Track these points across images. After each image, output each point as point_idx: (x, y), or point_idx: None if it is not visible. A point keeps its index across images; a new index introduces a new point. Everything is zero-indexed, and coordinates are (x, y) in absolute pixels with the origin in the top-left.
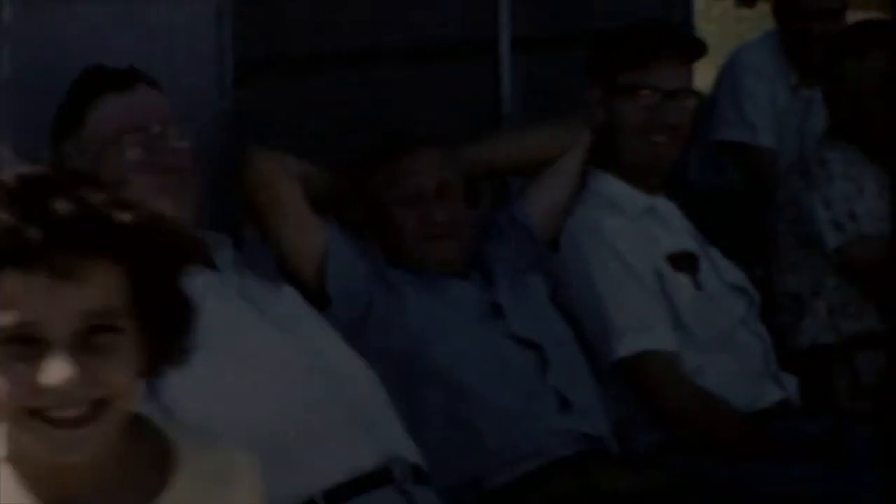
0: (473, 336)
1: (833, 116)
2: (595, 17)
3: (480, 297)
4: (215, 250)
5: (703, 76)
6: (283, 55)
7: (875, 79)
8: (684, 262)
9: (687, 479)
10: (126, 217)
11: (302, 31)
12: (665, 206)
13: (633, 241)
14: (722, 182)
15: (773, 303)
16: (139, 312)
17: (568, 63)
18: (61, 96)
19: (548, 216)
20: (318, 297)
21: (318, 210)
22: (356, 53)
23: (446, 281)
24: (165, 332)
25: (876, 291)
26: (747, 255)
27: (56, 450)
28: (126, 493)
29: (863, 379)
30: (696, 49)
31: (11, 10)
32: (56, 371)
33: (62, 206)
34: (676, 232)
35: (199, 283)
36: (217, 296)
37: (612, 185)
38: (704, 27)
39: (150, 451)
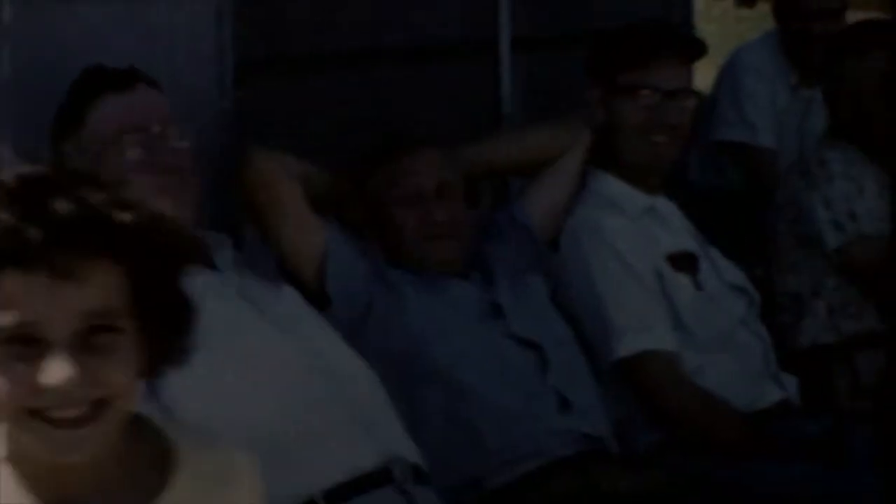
0: (473, 336)
1: (833, 116)
2: (595, 17)
3: (480, 297)
4: (215, 250)
5: (704, 76)
6: (283, 55)
7: (875, 79)
8: (684, 262)
9: (687, 479)
10: (126, 217)
11: (302, 31)
12: (665, 206)
13: (633, 241)
14: (722, 182)
15: (773, 303)
16: (139, 312)
17: (568, 63)
18: (61, 96)
19: (547, 216)
20: (317, 298)
21: (318, 210)
22: (356, 53)
23: (446, 281)
24: (165, 332)
25: (876, 291)
26: (747, 255)
27: (56, 450)
28: (126, 493)
29: (863, 379)
30: (696, 49)
31: (11, 10)
32: (56, 371)
33: (62, 206)
34: (676, 232)
35: (199, 283)
36: (217, 296)
37: (612, 185)
38: (704, 27)
39: (150, 451)
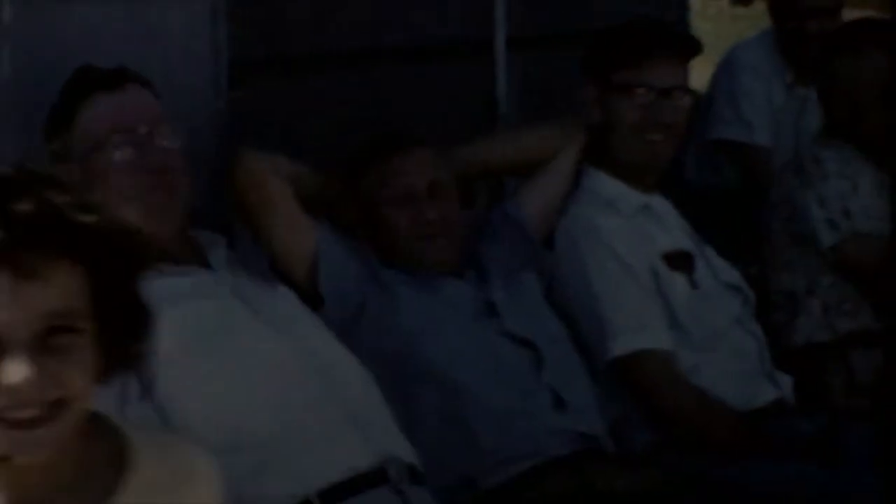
0: (468, 335)
1: (828, 115)
2: (591, 16)
3: (474, 295)
4: (209, 249)
5: (699, 75)
6: (282, 55)
7: (870, 77)
8: (680, 260)
9: (683, 478)
10: (89, 219)
11: (301, 30)
12: (661, 204)
13: (628, 240)
14: (718, 180)
15: (767, 301)
16: (98, 314)
17: (563, 62)
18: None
19: (541, 215)
20: (310, 298)
21: (309, 210)
22: (356, 53)
23: (440, 280)
24: (123, 335)
25: (871, 290)
26: (742, 254)
27: (12, 450)
28: (83, 493)
29: (858, 377)
30: (692, 47)
31: (11, 10)
32: (14, 372)
33: (26, 206)
34: (672, 231)
35: (191, 283)
36: (211, 295)
37: (607, 184)
38: (700, 25)
39: (107, 450)
